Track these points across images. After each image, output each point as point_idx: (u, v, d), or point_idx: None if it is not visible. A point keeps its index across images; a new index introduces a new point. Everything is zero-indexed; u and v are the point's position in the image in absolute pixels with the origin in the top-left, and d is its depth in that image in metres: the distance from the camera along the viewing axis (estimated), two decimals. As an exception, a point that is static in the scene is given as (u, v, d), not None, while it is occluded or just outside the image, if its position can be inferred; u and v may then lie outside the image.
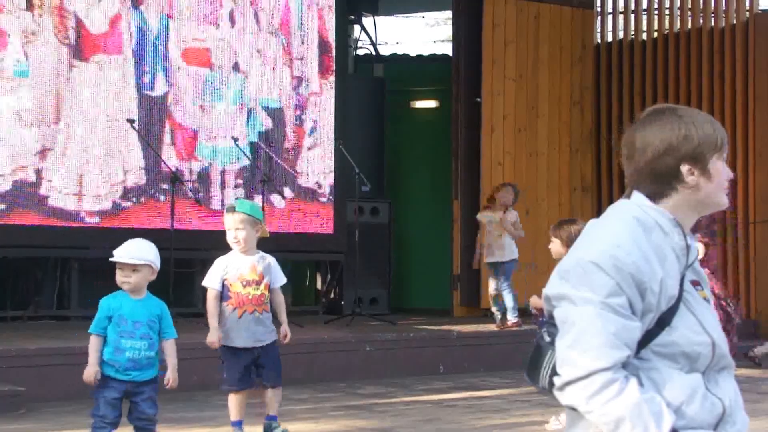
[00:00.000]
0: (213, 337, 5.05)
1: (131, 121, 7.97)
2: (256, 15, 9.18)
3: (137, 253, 4.27)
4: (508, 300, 8.51)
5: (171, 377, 4.33)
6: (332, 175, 9.50)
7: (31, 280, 8.39)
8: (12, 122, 7.88)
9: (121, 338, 4.26)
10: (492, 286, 8.64)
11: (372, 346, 7.77)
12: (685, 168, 2.09)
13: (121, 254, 4.27)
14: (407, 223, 11.04)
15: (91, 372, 4.23)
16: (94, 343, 4.27)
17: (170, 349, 4.36)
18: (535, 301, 5.87)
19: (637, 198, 2.13)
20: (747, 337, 8.93)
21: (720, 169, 2.12)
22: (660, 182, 2.11)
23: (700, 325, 2.08)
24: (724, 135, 2.15)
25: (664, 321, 2.03)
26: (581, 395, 1.97)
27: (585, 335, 1.96)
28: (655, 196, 2.12)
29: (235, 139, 8.54)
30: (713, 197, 2.13)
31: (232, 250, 5.14)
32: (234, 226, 5.06)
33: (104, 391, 4.26)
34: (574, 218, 6.18)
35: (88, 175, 8.21)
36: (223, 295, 5.09)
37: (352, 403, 6.63)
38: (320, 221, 9.52)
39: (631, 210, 2.11)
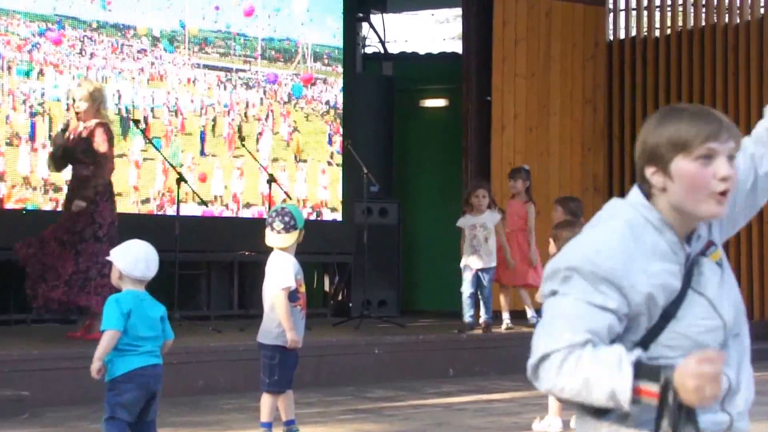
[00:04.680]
0: (296, 336, 5.07)
1: (137, 122, 7.91)
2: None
3: (114, 250, 4.31)
4: (489, 302, 8.34)
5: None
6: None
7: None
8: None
9: None
10: (470, 290, 8.26)
11: (381, 349, 7.71)
12: (649, 170, 2.06)
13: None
14: (417, 223, 10.95)
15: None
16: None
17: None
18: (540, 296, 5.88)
19: (633, 196, 2.10)
20: (762, 338, 8.81)
21: (684, 171, 2.01)
22: (644, 183, 2.10)
23: (712, 307, 2.04)
24: (701, 133, 2.01)
25: (669, 314, 2.01)
26: (547, 377, 1.98)
27: (552, 320, 2.00)
28: (647, 196, 2.10)
29: (242, 139, 8.49)
30: (684, 203, 2.03)
31: (285, 253, 5.14)
32: None
33: None
34: (573, 220, 6.11)
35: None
36: (291, 296, 5.09)
37: (360, 406, 6.58)
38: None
39: (623, 211, 2.09)
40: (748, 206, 2.24)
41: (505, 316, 8.70)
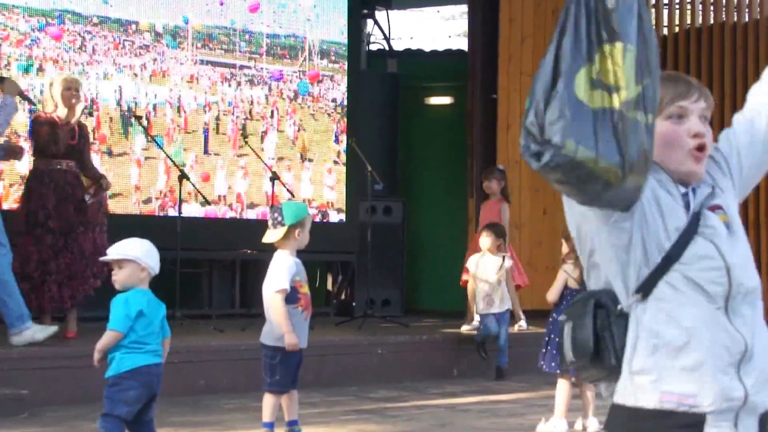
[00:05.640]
0: (295, 339, 5.02)
1: (138, 118, 7.85)
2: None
3: (119, 250, 4.25)
4: (505, 348, 7.74)
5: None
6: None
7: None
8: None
9: None
10: (495, 331, 7.62)
11: (384, 349, 7.66)
12: None
13: (108, 251, 4.29)
14: (421, 222, 10.88)
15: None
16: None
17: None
18: (551, 295, 5.84)
19: None
20: None
21: (658, 129, 2.06)
22: None
23: (717, 251, 2.06)
24: (669, 93, 2.12)
25: (671, 257, 2.03)
26: None
27: None
28: None
29: (245, 136, 8.44)
30: (665, 162, 2.11)
31: (285, 252, 5.09)
32: (309, 227, 5.17)
33: None
34: None
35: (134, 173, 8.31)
36: (290, 297, 5.04)
37: (363, 407, 6.53)
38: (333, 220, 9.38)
39: None
40: (756, 164, 2.24)
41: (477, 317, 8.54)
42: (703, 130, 2.12)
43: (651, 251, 2.05)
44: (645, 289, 2.04)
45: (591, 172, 1.90)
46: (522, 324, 8.56)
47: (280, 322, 5.00)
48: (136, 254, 4.20)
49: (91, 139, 7.54)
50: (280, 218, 5.06)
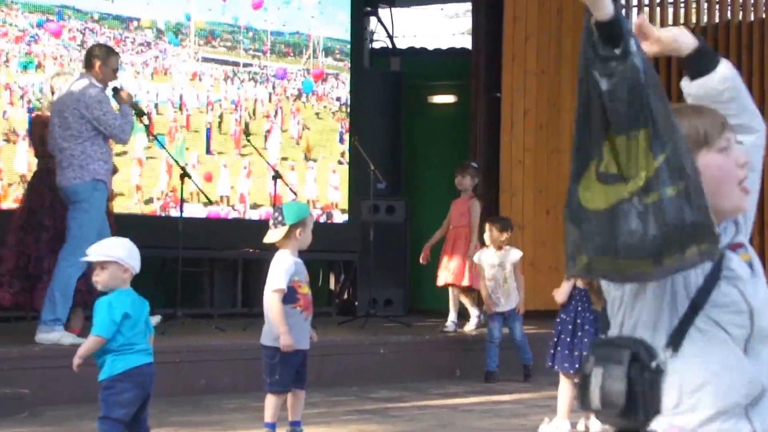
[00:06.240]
0: (290, 341, 4.99)
1: (140, 115, 7.81)
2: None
3: (101, 251, 4.19)
4: (525, 345, 7.65)
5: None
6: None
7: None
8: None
9: None
10: (499, 337, 7.54)
11: (386, 349, 7.63)
12: None
13: (89, 252, 4.22)
14: (424, 221, 10.82)
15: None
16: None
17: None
18: (560, 295, 5.80)
19: None
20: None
21: (713, 164, 2.02)
22: None
23: (741, 295, 2.02)
24: (711, 125, 2.05)
25: (697, 305, 2.00)
26: None
27: None
28: None
29: (247, 135, 8.40)
30: (713, 197, 1.99)
31: (286, 251, 5.07)
32: (311, 227, 5.14)
33: None
34: None
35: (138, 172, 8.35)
36: (288, 297, 5.02)
37: (365, 407, 6.50)
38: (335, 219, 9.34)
39: None
40: None
41: (474, 312, 8.50)
42: (747, 158, 2.07)
43: (679, 294, 2.00)
44: (675, 341, 2.00)
45: (617, 273, 1.86)
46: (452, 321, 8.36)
47: (277, 321, 4.99)
48: (120, 255, 4.14)
49: None
50: (280, 218, 5.05)
